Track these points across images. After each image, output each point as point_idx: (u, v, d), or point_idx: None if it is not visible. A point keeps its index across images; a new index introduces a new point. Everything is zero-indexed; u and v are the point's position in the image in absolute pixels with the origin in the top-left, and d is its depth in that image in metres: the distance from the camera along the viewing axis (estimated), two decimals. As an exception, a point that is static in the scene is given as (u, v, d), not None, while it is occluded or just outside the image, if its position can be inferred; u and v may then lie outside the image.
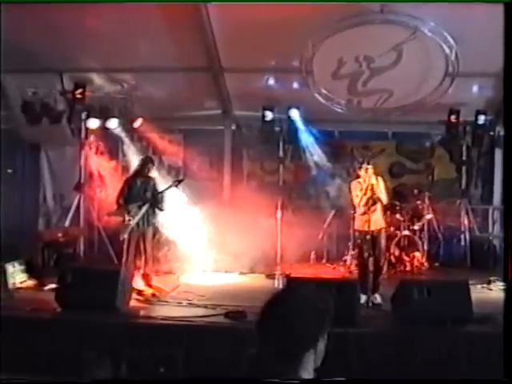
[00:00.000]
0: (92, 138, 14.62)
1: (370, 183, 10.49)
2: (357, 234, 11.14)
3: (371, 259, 10.67)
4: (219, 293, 11.31)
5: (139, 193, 11.37)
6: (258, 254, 13.11)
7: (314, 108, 13.74)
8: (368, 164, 10.85)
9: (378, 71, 12.88)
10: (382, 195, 10.64)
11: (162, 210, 11.51)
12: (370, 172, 10.59)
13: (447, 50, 12.16)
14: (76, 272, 9.90)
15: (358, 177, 10.81)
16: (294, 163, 15.39)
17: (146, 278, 11.27)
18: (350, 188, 11.02)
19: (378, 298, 10.34)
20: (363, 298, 10.05)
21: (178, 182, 11.77)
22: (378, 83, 13.13)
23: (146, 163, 11.80)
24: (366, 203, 10.52)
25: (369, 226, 10.48)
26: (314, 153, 14.89)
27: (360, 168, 10.85)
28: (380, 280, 10.68)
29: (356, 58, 12.74)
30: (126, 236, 11.09)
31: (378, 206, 10.66)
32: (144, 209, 11.14)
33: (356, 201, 10.73)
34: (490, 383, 5.01)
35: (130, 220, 11.08)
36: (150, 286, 11.23)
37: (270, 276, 12.63)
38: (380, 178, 10.75)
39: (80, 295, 9.24)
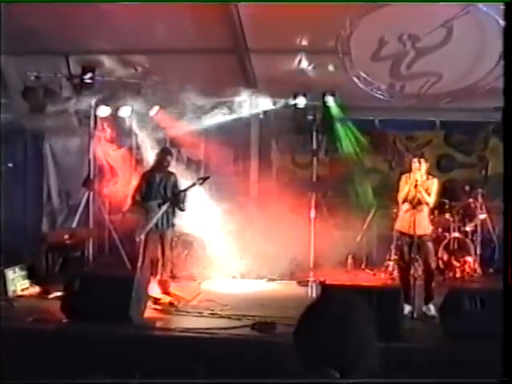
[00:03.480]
0: (102, 127, 14.66)
1: (414, 179, 10.46)
2: (397, 234, 11.11)
3: (417, 264, 10.68)
4: (245, 302, 11.38)
5: (158, 189, 11.43)
6: (288, 259, 13.16)
7: (352, 94, 13.70)
8: (421, 158, 10.85)
9: (425, 52, 12.76)
10: (429, 198, 10.61)
11: (182, 210, 11.54)
12: (423, 167, 10.57)
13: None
14: (84, 278, 10.00)
15: (410, 170, 10.76)
16: (329, 156, 15.35)
17: (163, 284, 11.34)
18: (398, 182, 10.98)
19: (431, 310, 10.32)
20: (407, 308, 10.05)
21: (202, 180, 11.76)
22: (424, 65, 13.02)
23: (164, 156, 11.82)
24: (411, 201, 10.49)
25: (413, 229, 10.44)
26: (352, 144, 14.84)
27: (412, 161, 10.80)
28: (433, 288, 10.64)
29: (399, 36, 12.64)
30: (142, 237, 11.15)
31: (425, 209, 10.61)
32: (164, 207, 11.19)
33: (400, 196, 10.72)
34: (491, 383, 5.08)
35: (149, 219, 11.14)
36: (167, 293, 11.31)
37: (303, 283, 12.68)
38: (432, 178, 10.77)
39: (89, 304, 9.32)
